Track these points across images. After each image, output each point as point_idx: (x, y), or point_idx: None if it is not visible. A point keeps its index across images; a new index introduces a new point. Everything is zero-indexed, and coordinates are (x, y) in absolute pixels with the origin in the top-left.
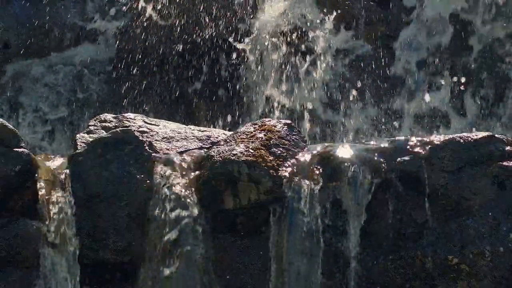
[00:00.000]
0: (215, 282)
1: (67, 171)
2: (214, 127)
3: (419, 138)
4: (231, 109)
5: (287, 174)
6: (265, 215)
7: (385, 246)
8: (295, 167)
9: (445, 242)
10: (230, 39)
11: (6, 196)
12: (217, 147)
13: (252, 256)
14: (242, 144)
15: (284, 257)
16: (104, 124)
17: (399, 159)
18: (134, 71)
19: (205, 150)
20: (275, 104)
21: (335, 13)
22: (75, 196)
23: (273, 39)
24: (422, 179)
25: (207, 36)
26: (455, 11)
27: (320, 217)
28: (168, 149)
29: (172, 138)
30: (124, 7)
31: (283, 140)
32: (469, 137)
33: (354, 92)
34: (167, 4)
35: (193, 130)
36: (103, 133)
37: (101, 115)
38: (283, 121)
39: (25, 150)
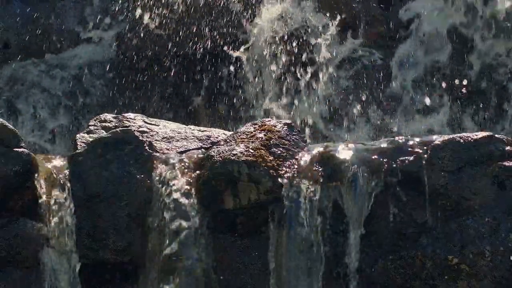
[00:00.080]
0: (215, 282)
1: (67, 171)
2: None
3: (419, 138)
4: (227, 125)
5: (287, 174)
6: (265, 215)
7: (385, 246)
8: (295, 167)
9: (445, 242)
10: (225, 48)
11: (6, 196)
12: (217, 147)
13: (252, 256)
14: (242, 144)
15: (284, 257)
16: (104, 124)
17: (399, 159)
18: (134, 71)
19: (205, 150)
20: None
21: (338, 18)
22: (75, 196)
23: (271, 47)
24: (422, 179)
25: (202, 46)
26: (453, 26)
27: (320, 217)
28: (168, 149)
29: (172, 138)
30: (124, 10)
31: (283, 140)
32: (469, 137)
33: (358, 107)
34: (163, 14)
35: (193, 130)
36: (103, 133)
37: (101, 115)
38: (283, 121)
39: (25, 150)
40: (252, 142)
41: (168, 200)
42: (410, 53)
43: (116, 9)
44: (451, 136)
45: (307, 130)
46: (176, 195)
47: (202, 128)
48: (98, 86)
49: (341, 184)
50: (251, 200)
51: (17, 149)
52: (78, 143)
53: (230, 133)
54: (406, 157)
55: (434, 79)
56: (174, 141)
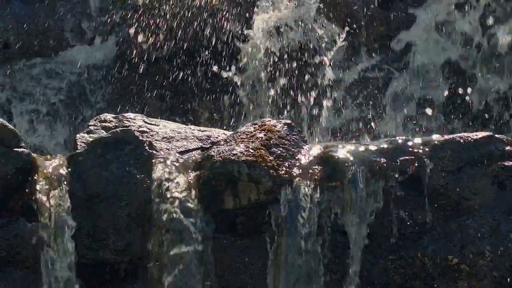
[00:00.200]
0: (215, 282)
1: (67, 171)
2: None
3: (419, 138)
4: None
5: (287, 174)
6: (265, 215)
7: (385, 246)
8: (295, 167)
9: (445, 242)
10: (215, 68)
11: (6, 196)
12: (217, 147)
13: (252, 256)
14: (242, 144)
15: (284, 257)
16: (104, 124)
17: (399, 159)
18: (135, 71)
19: (205, 150)
20: None
21: (346, 30)
22: (75, 196)
23: (267, 68)
24: (422, 179)
25: (198, 60)
26: (449, 60)
27: (320, 217)
28: (168, 149)
29: (172, 138)
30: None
31: (283, 140)
32: (469, 137)
33: (367, 137)
34: (153, 28)
35: (193, 130)
36: (103, 133)
37: (101, 115)
38: (283, 121)
39: (25, 150)
40: (252, 142)
41: (168, 200)
42: (404, 87)
43: (116, 9)
44: (451, 136)
45: None
46: (176, 195)
47: (202, 128)
48: (98, 86)
49: (341, 184)
50: (251, 200)
51: (17, 149)
52: (78, 143)
53: (230, 133)
54: (406, 157)
55: (428, 117)
56: (174, 141)
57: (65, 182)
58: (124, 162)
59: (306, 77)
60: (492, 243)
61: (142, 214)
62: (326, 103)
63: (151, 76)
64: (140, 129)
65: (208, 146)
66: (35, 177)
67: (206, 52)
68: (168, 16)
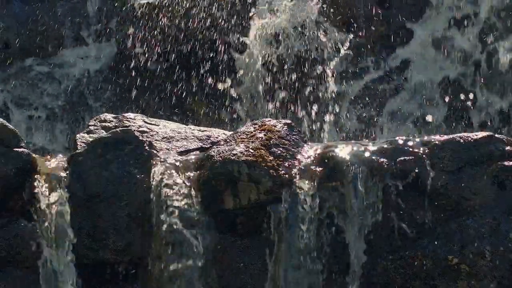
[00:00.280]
0: (216, 282)
1: (67, 171)
2: None
3: (419, 138)
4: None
5: (287, 174)
6: (265, 215)
7: (385, 246)
8: (295, 167)
9: (445, 242)
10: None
11: (6, 196)
12: (217, 147)
13: (252, 256)
14: (242, 144)
15: (284, 257)
16: (104, 124)
17: (399, 159)
18: (135, 71)
19: (205, 150)
20: None
21: (350, 36)
22: (75, 196)
23: (265, 79)
24: (422, 179)
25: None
26: (447, 78)
27: (320, 217)
28: (168, 149)
29: (172, 138)
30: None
31: (283, 140)
32: (469, 137)
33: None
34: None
35: (193, 130)
36: (103, 133)
37: (101, 115)
38: (283, 121)
39: (25, 150)
40: (252, 142)
41: (168, 200)
42: (401, 106)
43: (115, 9)
44: (451, 136)
45: None
46: (176, 195)
47: (202, 128)
48: (98, 86)
49: (341, 184)
50: (251, 200)
51: (17, 149)
52: (78, 143)
53: (230, 133)
54: (406, 157)
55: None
56: (174, 141)
57: (65, 182)
58: (124, 162)
59: (307, 90)
60: (492, 243)
61: (142, 214)
62: (329, 117)
63: (150, 78)
64: (140, 129)
65: (208, 146)
66: (35, 177)
67: (201, 65)
68: (164, 28)
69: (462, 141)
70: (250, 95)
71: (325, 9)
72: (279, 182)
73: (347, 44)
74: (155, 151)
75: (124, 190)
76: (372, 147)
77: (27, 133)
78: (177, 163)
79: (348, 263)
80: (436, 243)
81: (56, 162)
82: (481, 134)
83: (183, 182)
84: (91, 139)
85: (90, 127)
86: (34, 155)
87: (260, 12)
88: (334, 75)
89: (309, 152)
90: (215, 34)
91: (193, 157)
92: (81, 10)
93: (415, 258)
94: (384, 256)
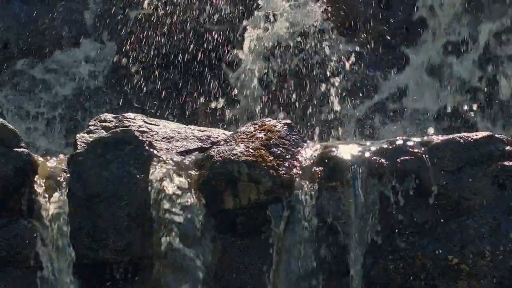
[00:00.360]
0: (215, 282)
1: (67, 171)
2: None
3: (419, 139)
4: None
5: (287, 174)
6: (265, 215)
7: (385, 246)
8: (295, 167)
9: (445, 242)
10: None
11: (6, 196)
12: (217, 147)
13: (252, 256)
14: (242, 144)
15: (284, 257)
16: (104, 124)
17: (399, 159)
18: (135, 71)
19: (205, 150)
20: None
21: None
22: (75, 196)
23: (264, 98)
24: (422, 179)
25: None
26: (444, 106)
27: (320, 217)
28: (168, 149)
29: (172, 138)
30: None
31: (283, 140)
32: (469, 137)
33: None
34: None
35: (193, 130)
36: (103, 133)
37: (101, 115)
38: (283, 121)
39: (25, 150)
40: (252, 142)
41: (167, 200)
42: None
43: (116, 10)
44: (451, 136)
45: None
46: (176, 195)
47: (202, 128)
48: (98, 86)
49: (341, 184)
50: (251, 200)
51: (17, 149)
52: (78, 143)
53: (230, 133)
54: (406, 157)
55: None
56: (174, 141)
57: (65, 182)
58: (124, 162)
59: (309, 110)
60: (492, 243)
61: (142, 214)
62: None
63: (149, 78)
64: (140, 129)
65: (208, 146)
66: (35, 177)
67: (190, 82)
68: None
69: (462, 141)
70: (246, 117)
71: (329, 15)
72: (279, 182)
73: (353, 58)
74: (155, 151)
75: (124, 190)
76: (372, 147)
77: (26, 133)
78: (177, 163)
79: (348, 263)
80: (436, 243)
81: (56, 162)
82: (481, 134)
83: (183, 182)
84: (91, 139)
85: (90, 127)
86: (34, 155)
87: (255, 20)
88: (339, 94)
89: (309, 152)
90: (205, 46)
91: (193, 157)
92: (81, 10)
93: (415, 258)
94: (384, 256)
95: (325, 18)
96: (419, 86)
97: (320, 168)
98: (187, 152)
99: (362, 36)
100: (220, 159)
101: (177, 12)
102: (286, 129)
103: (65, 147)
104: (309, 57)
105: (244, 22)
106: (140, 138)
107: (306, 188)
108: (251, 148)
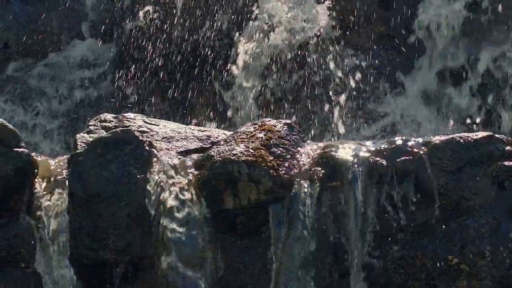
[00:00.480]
0: (216, 281)
1: (67, 171)
2: None
3: (419, 138)
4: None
5: (287, 174)
6: (265, 215)
7: (385, 246)
8: (295, 167)
9: (445, 242)
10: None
11: (6, 196)
12: (217, 147)
13: (252, 256)
14: (242, 144)
15: (284, 257)
16: (104, 124)
17: (399, 159)
18: (135, 70)
19: (205, 150)
20: None
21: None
22: (75, 196)
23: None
24: (422, 179)
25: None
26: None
27: (320, 217)
28: (168, 149)
29: (172, 138)
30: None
31: (283, 140)
32: (469, 137)
33: None
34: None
35: (193, 130)
36: (103, 133)
37: (101, 115)
38: (283, 121)
39: (25, 150)
40: (252, 142)
41: (168, 200)
42: None
43: (116, 9)
44: (451, 136)
45: None
46: (176, 195)
47: (202, 128)
48: (98, 85)
49: (341, 184)
50: (251, 200)
51: (17, 149)
52: (78, 143)
53: (230, 133)
54: (406, 157)
55: None
56: (174, 141)
57: (65, 182)
58: (124, 162)
59: (311, 133)
60: (492, 243)
61: (142, 214)
62: None
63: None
64: (140, 129)
65: (208, 146)
66: (35, 177)
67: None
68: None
69: (462, 141)
70: None
71: (335, 23)
72: (279, 182)
73: (359, 74)
74: (155, 151)
75: (124, 190)
76: (372, 147)
77: (27, 133)
78: (177, 163)
79: (348, 263)
80: (436, 243)
81: (56, 162)
82: (481, 134)
83: (183, 182)
84: (91, 139)
85: (90, 127)
86: (34, 155)
87: (251, 31)
88: (343, 116)
89: (309, 152)
90: (198, 62)
91: (193, 157)
92: (82, 10)
93: (415, 258)
94: (384, 256)
95: (331, 26)
96: (416, 115)
97: (320, 168)
98: (187, 152)
99: (363, 38)
100: (220, 159)
101: (171, 26)
102: (286, 129)
103: (65, 147)
104: (311, 73)
105: (237, 35)
106: (140, 138)
107: (306, 188)
108: (251, 148)
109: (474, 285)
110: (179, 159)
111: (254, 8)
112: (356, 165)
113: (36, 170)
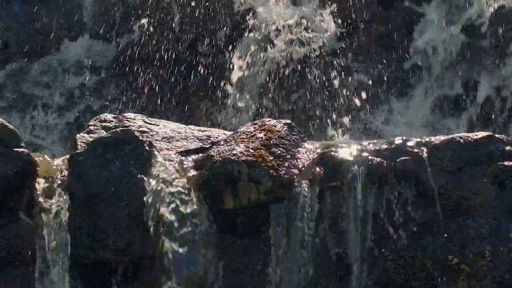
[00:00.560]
0: (217, 281)
1: (67, 171)
2: None
3: (419, 139)
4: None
5: (287, 174)
6: (265, 215)
7: (385, 246)
8: (295, 167)
9: (445, 242)
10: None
11: (6, 196)
12: (217, 147)
13: (252, 256)
14: (242, 144)
15: (284, 258)
16: (104, 124)
17: (399, 159)
18: (135, 71)
19: (205, 150)
20: None
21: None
22: (75, 196)
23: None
24: (422, 179)
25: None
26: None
27: (320, 217)
28: (168, 149)
29: (172, 138)
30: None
31: (283, 140)
32: (469, 137)
33: None
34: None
35: (193, 130)
36: (103, 133)
37: (101, 115)
38: (283, 121)
39: (25, 150)
40: (252, 142)
41: (167, 200)
42: None
43: (116, 9)
44: (451, 136)
45: None
46: (175, 195)
47: (202, 128)
48: (98, 85)
49: (341, 184)
50: (251, 200)
51: (17, 149)
52: (78, 143)
53: (230, 133)
54: (406, 157)
55: None
56: (174, 141)
57: (65, 182)
58: (124, 162)
59: None
60: (492, 243)
61: (142, 214)
62: None
63: (152, 72)
64: (140, 129)
65: (208, 146)
66: (35, 177)
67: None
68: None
69: (462, 141)
70: None
71: (344, 35)
72: (279, 182)
73: (364, 94)
74: (155, 151)
75: (124, 190)
76: (372, 147)
77: (27, 132)
78: (177, 163)
79: (348, 263)
80: (436, 243)
81: (56, 162)
82: (481, 134)
83: (183, 182)
84: (91, 139)
85: (90, 127)
86: (34, 155)
87: (247, 43)
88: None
89: (309, 152)
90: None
91: (193, 157)
92: (82, 10)
93: (415, 258)
94: (384, 256)
95: (337, 36)
96: None
97: (320, 168)
98: (187, 152)
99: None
100: (220, 159)
101: (165, 41)
102: (286, 129)
103: (65, 147)
104: (313, 91)
105: (229, 48)
106: (140, 138)
107: (306, 188)
108: (251, 148)
109: (474, 285)
110: (179, 159)
111: (249, 19)
112: (356, 165)
113: (36, 170)
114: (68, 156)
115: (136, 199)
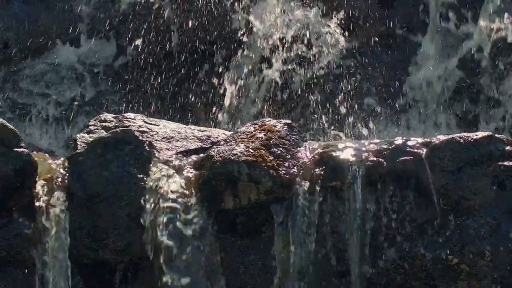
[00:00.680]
0: (217, 281)
1: (67, 171)
2: None
3: (419, 138)
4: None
5: (287, 174)
6: (265, 215)
7: (385, 246)
8: (295, 167)
9: (445, 242)
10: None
11: (6, 196)
12: (217, 147)
13: (252, 256)
14: (242, 144)
15: (284, 257)
16: (104, 124)
17: (399, 159)
18: (135, 71)
19: (205, 150)
20: None
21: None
22: (75, 196)
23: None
24: (422, 179)
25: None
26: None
27: (320, 217)
28: (168, 149)
29: (172, 138)
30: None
31: (283, 140)
32: (469, 137)
33: None
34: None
35: (193, 130)
36: (103, 133)
37: (101, 115)
38: (283, 120)
39: (25, 150)
40: (252, 142)
41: (167, 200)
42: None
43: (116, 9)
44: (451, 136)
45: None
46: (175, 195)
47: (202, 128)
48: (98, 85)
49: (341, 184)
50: (251, 200)
51: (17, 149)
52: (78, 143)
53: (230, 133)
54: (406, 157)
55: None
56: (174, 141)
57: (65, 182)
58: (124, 162)
59: None
60: (492, 243)
61: (142, 214)
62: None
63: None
64: (140, 129)
65: (208, 146)
66: (35, 177)
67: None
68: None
69: (462, 141)
70: None
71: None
72: (279, 182)
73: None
74: (155, 151)
75: (124, 190)
76: (372, 147)
77: (26, 134)
78: (177, 163)
79: (348, 263)
80: (436, 243)
81: (56, 162)
82: (481, 134)
83: (183, 182)
84: (91, 139)
85: (90, 127)
86: (34, 155)
87: (240, 64)
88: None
89: (309, 152)
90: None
91: (193, 157)
92: (81, 10)
93: (415, 258)
94: (384, 256)
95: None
96: None
97: (320, 168)
98: (187, 152)
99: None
100: (220, 159)
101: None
102: (286, 129)
103: (65, 147)
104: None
105: (220, 70)
106: (140, 138)
107: (306, 188)
108: (251, 148)
109: (474, 285)
110: (179, 159)
111: (243, 36)
112: (356, 165)
113: (36, 170)
114: (68, 156)
115: (136, 199)
